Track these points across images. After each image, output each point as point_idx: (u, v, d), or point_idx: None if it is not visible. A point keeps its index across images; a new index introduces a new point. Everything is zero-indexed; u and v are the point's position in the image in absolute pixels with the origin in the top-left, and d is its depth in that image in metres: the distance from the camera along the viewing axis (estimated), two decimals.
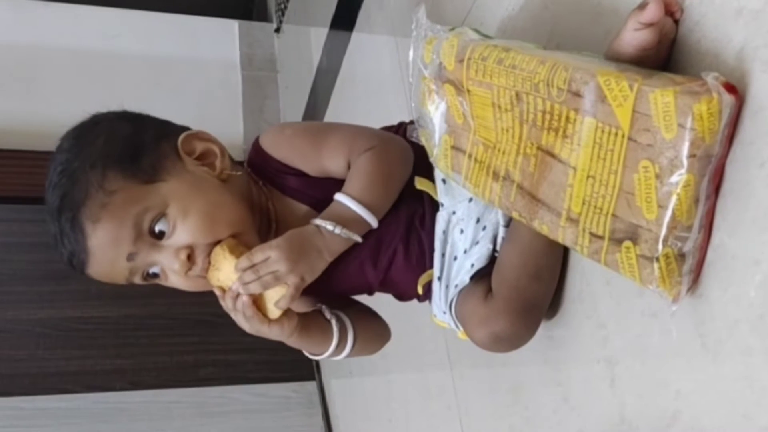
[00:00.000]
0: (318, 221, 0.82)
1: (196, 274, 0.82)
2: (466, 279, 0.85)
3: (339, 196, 0.84)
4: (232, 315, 0.84)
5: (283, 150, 0.88)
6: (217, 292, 0.83)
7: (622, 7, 0.74)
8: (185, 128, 0.88)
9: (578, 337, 0.83)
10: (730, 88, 0.56)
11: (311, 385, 2.26)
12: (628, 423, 0.75)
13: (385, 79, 1.61)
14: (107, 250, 0.79)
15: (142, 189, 0.80)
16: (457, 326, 0.87)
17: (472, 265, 0.85)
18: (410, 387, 1.51)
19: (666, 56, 0.66)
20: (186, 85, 2.51)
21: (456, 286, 0.86)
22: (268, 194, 0.89)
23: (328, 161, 0.87)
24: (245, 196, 0.86)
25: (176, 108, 0.88)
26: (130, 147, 0.82)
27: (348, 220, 0.82)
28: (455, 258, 0.87)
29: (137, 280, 0.83)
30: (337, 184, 0.86)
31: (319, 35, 2.19)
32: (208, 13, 2.72)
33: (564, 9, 0.86)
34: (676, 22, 0.66)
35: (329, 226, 0.81)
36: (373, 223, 0.84)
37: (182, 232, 0.80)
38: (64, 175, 0.80)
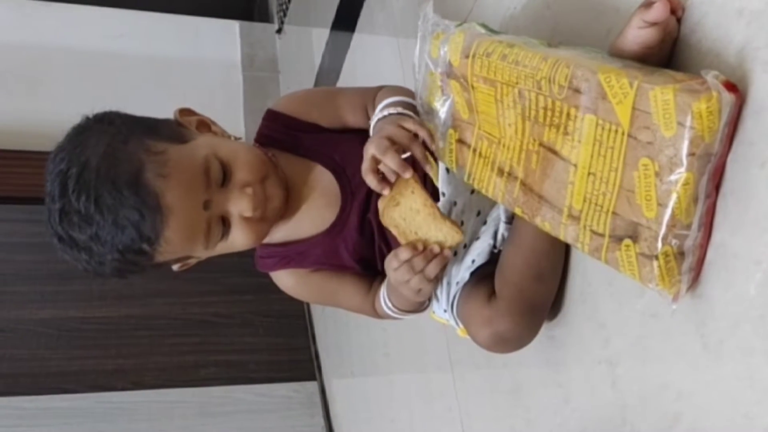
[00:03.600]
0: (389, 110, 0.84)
1: (258, 215, 0.83)
2: (467, 275, 0.85)
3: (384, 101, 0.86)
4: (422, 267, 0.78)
5: (297, 104, 0.92)
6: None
7: (623, 6, 0.73)
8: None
9: (579, 338, 0.83)
10: (731, 87, 0.55)
11: (312, 385, 2.26)
12: (630, 424, 0.74)
13: (387, 80, 1.60)
14: (185, 200, 0.77)
15: (185, 147, 0.81)
16: (457, 323, 0.87)
17: (473, 261, 0.85)
18: (411, 388, 1.51)
19: (668, 54, 0.66)
20: (187, 86, 2.51)
21: (457, 283, 0.86)
22: (276, 161, 0.90)
23: (344, 110, 0.91)
24: None
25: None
26: (144, 125, 0.83)
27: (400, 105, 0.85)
28: (455, 253, 0.87)
29: (214, 237, 0.82)
30: (351, 138, 0.89)
31: (320, 36, 2.19)
32: (210, 14, 2.73)
33: (565, 8, 0.86)
34: (679, 20, 0.65)
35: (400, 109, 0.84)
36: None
37: (240, 171, 0.81)
38: (103, 160, 0.76)
